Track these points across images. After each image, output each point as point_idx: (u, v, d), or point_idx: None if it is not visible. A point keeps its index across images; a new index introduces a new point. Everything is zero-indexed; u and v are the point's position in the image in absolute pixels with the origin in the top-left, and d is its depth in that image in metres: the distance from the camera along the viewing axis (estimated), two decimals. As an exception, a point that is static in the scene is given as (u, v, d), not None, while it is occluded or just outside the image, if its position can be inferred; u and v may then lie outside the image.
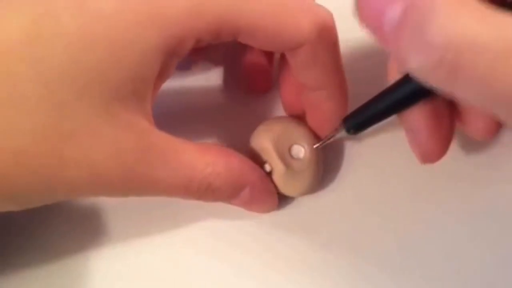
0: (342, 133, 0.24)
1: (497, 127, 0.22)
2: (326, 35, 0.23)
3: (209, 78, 0.30)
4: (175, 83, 0.29)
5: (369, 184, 0.27)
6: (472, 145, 0.27)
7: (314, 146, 0.26)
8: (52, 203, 0.22)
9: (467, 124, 0.23)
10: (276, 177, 0.26)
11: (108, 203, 0.27)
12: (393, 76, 0.22)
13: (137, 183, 0.22)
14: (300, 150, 0.26)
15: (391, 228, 0.26)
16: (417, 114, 0.22)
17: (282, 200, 0.27)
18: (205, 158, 0.23)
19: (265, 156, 0.26)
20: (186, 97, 0.29)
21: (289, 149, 0.26)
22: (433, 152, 0.23)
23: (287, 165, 0.26)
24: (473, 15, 0.15)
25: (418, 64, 0.16)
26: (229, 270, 0.26)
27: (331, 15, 0.24)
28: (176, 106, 0.29)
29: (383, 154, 0.28)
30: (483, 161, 0.27)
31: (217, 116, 0.29)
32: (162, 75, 0.22)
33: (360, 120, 0.24)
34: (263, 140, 0.26)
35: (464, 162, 0.27)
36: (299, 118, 0.27)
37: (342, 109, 0.25)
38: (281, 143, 0.26)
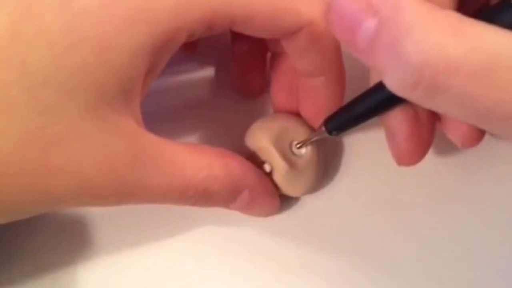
0: (324, 134, 0.24)
1: (481, 134, 0.22)
2: (324, 19, 0.22)
3: (201, 78, 0.29)
4: (166, 83, 0.29)
5: (369, 182, 0.27)
6: (489, 145, 0.27)
7: (297, 147, 0.25)
8: (38, 214, 0.21)
9: (450, 131, 0.22)
10: (278, 177, 0.25)
11: (97, 213, 0.26)
12: (375, 78, 0.22)
13: (129, 190, 0.21)
14: (300, 149, 0.25)
15: (395, 227, 0.26)
16: (396, 116, 0.22)
17: (283, 201, 0.26)
18: (200, 160, 0.22)
19: (264, 156, 0.25)
20: (178, 98, 0.29)
21: (290, 146, 0.25)
22: (409, 155, 0.23)
23: (289, 163, 0.25)
24: (447, 30, 0.15)
25: (395, 82, 0.16)
26: (228, 278, 0.25)
27: None
28: (166, 107, 0.28)
29: (382, 152, 0.26)
30: (481, 160, 0.27)
31: (209, 117, 0.28)
32: (152, 72, 0.21)
33: (342, 122, 0.23)
34: (261, 139, 0.25)
35: (463, 159, 0.27)
36: (294, 114, 0.26)
37: (339, 97, 0.25)
38: (281, 141, 0.25)
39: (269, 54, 0.28)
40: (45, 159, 0.19)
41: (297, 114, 0.26)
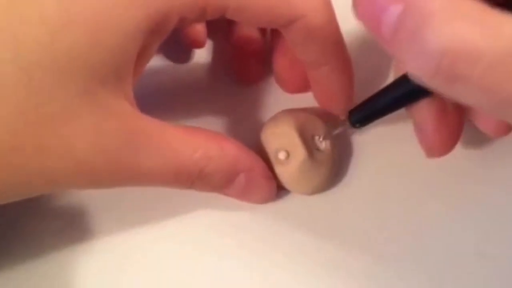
0: (348, 126, 0.24)
1: (509, 125, 0.22)
2: (322, 8, 0.22)
3: (195, 67, 0.29)
4: (163, 70, 0.29)
5: (377, 183, 0.26)
6: (486, 142, 0.27)
7: (320, 140, 0.25)
8: (32, 196, 0.21)
9: (478, 121, 0.22)
10: (295, 164, 0.24)
11: (97, 198, 0.26)
12: (399, 69, 0.22)
13: (122, 171, 0.21)
14: (321, 142, 0.25)
15: (401, 228, 0.25)
16: (424, 108, 0.22)
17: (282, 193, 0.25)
18: (194, 141, 0.22)
19: (283, 141, 0.24)
20: (171, 88, 0.28)
21: (312, 138, 0.25)
22: (439, 147, 0.23)
23: (309, 153, 0.24)
24: (470, 18, 0.15)
25: (416, 70, 0.16)
26: (226, 266, 0.25)
27: None
28: (163, 94, 0.28)
29: (388, 148, 0.27)
30: (494, 159, 0.27)
31: (206, 104, 0.28)
32: (144, 55, 0.21)
33: (366, 114, 0.23)
34: (286, 123, 0.25)
35: (476, 158, 0.27)
36: (315, 111, 0.26)
37: (348, 83, 0.25)
38: (304, 130, 0.25)
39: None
40: (38, 139, 0.19)
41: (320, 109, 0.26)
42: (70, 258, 0.25)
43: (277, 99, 0.28)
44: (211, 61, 0.29)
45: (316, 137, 0.25)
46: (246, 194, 0.24)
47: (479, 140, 0.27)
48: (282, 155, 0.24)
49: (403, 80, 0.21)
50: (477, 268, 0.25)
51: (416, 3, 0.16)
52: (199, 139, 0.22)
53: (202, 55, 0.29)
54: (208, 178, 0.22)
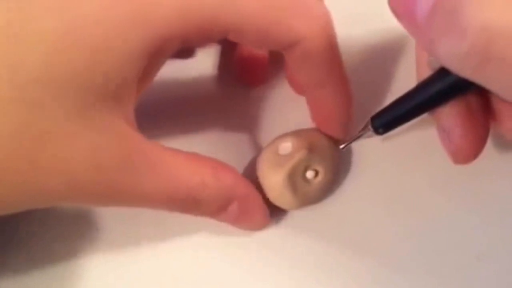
0: (371, 132, 0.23)
1: None
2: (321, 33, 0.22)
3: (200, 69, 0.29)
4: (166, 72, 0.27)
5: (375, 190, 0.26)
6: (499, 145, 0.27)
7: (341, 147, 0.25)
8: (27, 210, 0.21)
9: (502, 123, 0.22)
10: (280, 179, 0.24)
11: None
12: (422, 72, 0.21)
13: (117, 192, 0.21)
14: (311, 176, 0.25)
15: (402, 233, 0.25)
16: (450, 112, 0.22)
17: (274, 213, 0.25)
18: (191, 167, 0.22)
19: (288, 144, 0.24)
20: (175, 90, 0.28)
21: (306, 170, 0.24)
22: (467, 152, 0.22)
23: (291, 177, 0.24)
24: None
25: (449, 50, 0.16)
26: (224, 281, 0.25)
27: (327, 11, 0.23)
28: (164, 99, 0.28)
29: (388, 155, 0.27)
30: (495, 167, 0.26)
31: (208, 109, 0.28)
32: (145, 77, 0.21)
33: (390, 119, 0.23)
34: (296, 138, 0.25)
35: (476, 168, 0.25)
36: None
37: (346, 106, 0.25)
38: (306, 159, 0.24)
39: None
40: (33, 157, 0.19)
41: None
42: (72, 265, 0.25)
43: (282, 101, 0.28)
44: (215, 63, 0.29)
45: (309, 172, 0.25)
46: (239, 221, 0.25)
47: (496, 143, 0.27)
48: (282, 150, 0.25)
49: (429, 82, 0.21)
50: (477, 273, 0.25)
51: None
52: (195, 165, 0.22)
53: (206, 57, 0.29)
54: (202, 205, 0.23)
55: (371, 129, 0.23)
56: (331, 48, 0.23)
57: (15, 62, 0.18)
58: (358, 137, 0.25)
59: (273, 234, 0.25)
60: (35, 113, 0.19)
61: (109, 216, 0.26)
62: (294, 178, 0.24)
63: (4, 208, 0.20)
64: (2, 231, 0.25)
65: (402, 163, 0.26)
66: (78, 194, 0.20)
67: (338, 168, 0.26)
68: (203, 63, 0.29)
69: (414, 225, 0.25)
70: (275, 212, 0.25)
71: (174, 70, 0.28)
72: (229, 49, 0.29)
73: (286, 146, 0.25)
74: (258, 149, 0.27)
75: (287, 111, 0.28)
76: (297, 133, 0.25)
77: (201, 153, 0.23)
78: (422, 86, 0.21)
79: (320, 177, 0.25)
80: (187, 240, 0.25)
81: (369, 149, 0.27)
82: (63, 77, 0.19)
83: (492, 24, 0.15)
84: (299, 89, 0.27)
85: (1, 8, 0.19)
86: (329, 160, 0.25)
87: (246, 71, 0.28)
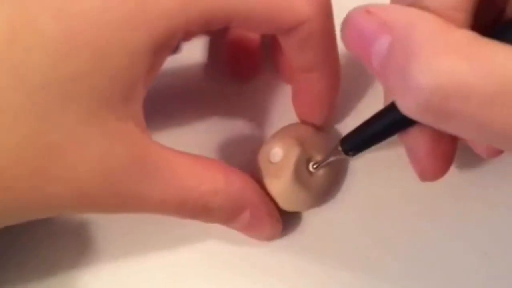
0: (341, 155, 0.23)
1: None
2: (322, 15, 0.22)
3: (192, 63, 0.29)
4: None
5: (373, 195, 0.27)
6: (477, 162, 0.27)
7: (312, 169, 0.25)
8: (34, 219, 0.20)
9: (472, 144, 0.22)
10: (282, 182, 0.24)
11: (101, 217, 0.26)
12: (388, 96, 0.21)
13: (126, 198, 0.20)
14: (314, 168, 0.25)
15: (396, 241, 0.26)
16: (415, 134, 0.21)
17: (284, 221, 0.25)
18: (202, 173, 0.22)
19: (281, 148, 0.24)
20: (163, 85, 0.28)
21: (308, 163, 0.25)
22: (432, 171, 0.22)
23: (298, 175, 0.24)
24: (458, 52, 0.14)
25: (405, 106, 0.16)
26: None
27: None
28: (152, 95, 0.26)
29: (382, 165, 0.27)
30: (485, 179, 0.27)
31: (198, 104, 0.28)
32: (150, 74, 0.21)
33: (358, 142, 0.23)
34: (288, 135, 0.25)
35: (466, 178, 0.27)
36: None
37: (333, 93, 0.25)
38: (305, 149, 0.25)
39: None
40: (42, 166, 0.18)
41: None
42: (72, 276, 0.25)
43: (272, 94, 0.28)
44: (205, 57, 0.29)
45: (311, 163, 0.25)
46: (250, 230, 0.24)
47: (473, 159, 0.26)
48: (274, 158, 0.24)
49: (394, 107, 0.20)
50: (485, 272, 0.25)
51: (403, 36, 0.15)
52: (206, 171, 0.22)
53: (196, 51, 0.29)
54: (213, 212, 0.22)
55: (341, 151, 0.23)
56: (330, 30, 0.23)
57: (20, 68, 0.18)
58: (329, 159, 0.24)
59: (283, 241, 0.25)
60: (44, 121, 0.18)
61: (110, 227, 0.25)
62: (300, 177, 0.24)
63: (11, 216, 0.20)
64: (1, 243, 0.25)
65: (395, 177, 0.26)
66: (86, 202, 0.20)
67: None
68: (192, 58, 0.29)
69: (405, 237, 0.25)
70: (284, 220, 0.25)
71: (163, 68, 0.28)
72: (218, 42, 0.28)
73: (275, 152, 0.25)
74: (252, 145, 0.26)
75: (277, 104, 0.28)
76: (280, 135, 0.25)
77: (193, 150, 0.22)
78: (387, 111, 0.21)
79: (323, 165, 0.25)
80: (191, 250, 0.25)
81: (363, 163, 0.27)
82: (69, 82, 0.18)
83: (443, 83, 0.14)
84: (289, 76, 0.27)
85: (3, 14, 0.18)
86: (323, 145, 0.25)
87: (237, 65, 0.28)
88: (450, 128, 0.16)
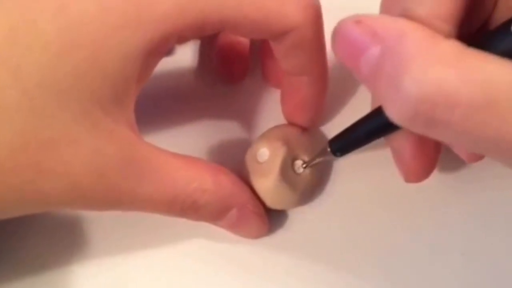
0: (329, 155, 0.24)
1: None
2: (313, 21, 0.22)
3: (183, 66, 0.29)
4: None
5: (357, 195, 0.27)
6: (459, 166, 0.27)
7: (301, 169, 0.25)
8: (25, 214, 0.21)
9: (455, 148, 0.22)
10: (269, 180, 0.24)
11: (94, 214, 0.26)
12: (377, 101, 0.22)
13: (117, 195, 0.21)
14: (300, 168, 0.25)
15: (377, 241, 0.26)
16: (401, 137, 0.22)
17: (272, 218, 0.26)
18: (191, 173, 0.22)
19: (268, 149, 0.25)
20: (155, 88, 0.28)
21: (293, 163, 0.25)
22: (416, 173, 0.23)
23: (284, 173, 0.25)
24: (446, 62, 0.15)
25: (394, 114, 0.16)
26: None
27: (317, 0, 0.23)
28: (147, 95, 0.27)
29: (367, 167, 0.27)
30: (466, 182, 0.27)
31: (188, 106, 0.28)
32: (143, 76, 0.21)
33: (346, 143, 0.24)
34: (275, 136, 0.25)
35: (448, 181, 0.27)
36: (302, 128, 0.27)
37: (321, 96, 0.25)
38: (290, 149, 0.25)
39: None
40: (37, 162, 0.19)
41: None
42: (66, 273, 0.25)
43: (261, 97, 0.29)
44: (195, 60, 0.29)
45: (297, 162, 0.25)
46: (237, 228, 0.25)
47: (455, 162, 0.27)
48: (261, 158, 0.25)
49: (380, 111, 0.20)
50: (462, 271, 0.25)
51: (393, 46, 0.16)
52: (196, 171, 0.22)
53: (186, 54, 0.29)
54: (201, 210, 0.23)
55: (329, 152, 0.24)
56: (320, 36, 0.23)
57: (18, 67, 0.18)
58: (317, 160, 0.25)
59: (269, 239, 0.26)
60: (40, 118, 0.19)
61: (102, 224, 0.26)
62: (286, 176, 0.25)
63: (4, 210, 0.20)
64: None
65: (380, 178, 0.27)
66: (78, 198, 0.20)
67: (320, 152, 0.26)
68: (183, 61, 0.29)
69: (386, 238, 0.26)
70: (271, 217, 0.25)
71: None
72: (208, 45, 0.29)
73: (262, 152, 0.25)
74: (240, 146, 0.27)
75: (266, 106, 0.28)
76: (267, 136, 0.26)
77: (183, 151, 0.23)
78: (374, 114, 0.22)
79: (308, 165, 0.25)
80: (181, 247, 0.26)
81: (348, 165, 0.27)
82: (66, 82, 0.19)
83: (431, 92, 0.15)
84: (277, 80, 0.28)
85: (3, 13, 0.19)
86: (309, 146, 0.26)
87: (226, 68, 0.28)
88: (437, 135, 0.16)
